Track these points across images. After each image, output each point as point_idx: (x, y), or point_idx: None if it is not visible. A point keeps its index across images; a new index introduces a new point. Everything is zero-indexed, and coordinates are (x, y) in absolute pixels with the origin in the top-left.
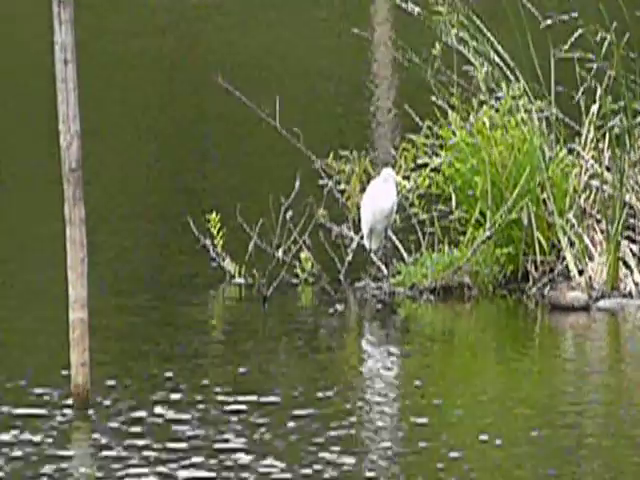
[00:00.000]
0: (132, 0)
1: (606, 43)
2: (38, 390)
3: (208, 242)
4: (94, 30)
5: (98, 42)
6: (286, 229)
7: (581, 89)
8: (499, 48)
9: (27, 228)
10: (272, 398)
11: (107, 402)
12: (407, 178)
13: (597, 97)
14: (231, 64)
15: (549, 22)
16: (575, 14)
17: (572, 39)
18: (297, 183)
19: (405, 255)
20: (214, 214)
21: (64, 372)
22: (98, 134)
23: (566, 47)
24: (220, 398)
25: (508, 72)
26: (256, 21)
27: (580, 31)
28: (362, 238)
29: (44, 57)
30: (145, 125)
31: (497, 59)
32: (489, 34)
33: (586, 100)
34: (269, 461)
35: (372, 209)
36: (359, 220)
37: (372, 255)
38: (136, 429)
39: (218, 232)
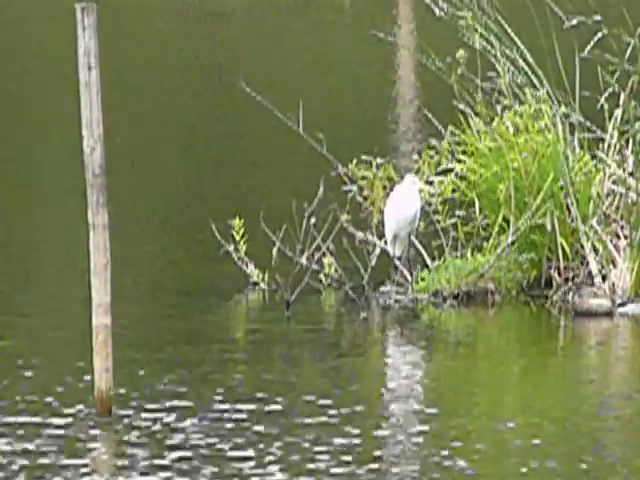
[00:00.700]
0: (149, 5)
1: (630, 47)
2: (59, 397)
3: (231, 248)
4: (111, 36)
5: (116, 48)
6: (310, 235)
7: (605, 94)
8: (524, 50)
9: (51, 234)
10: (291, 404)
11: (128, 409)
12: (430, 184)
13: (620, 102)
14: (252, 69)
15: (575, 22)
16: (598, 17)
17: (593, 41)
18: (320, 189)
19: (428, 261)
20: (237, 220)
21: (86, 378)
22: (120, 140)
23: (588, 50)
24: (240, 405)
25: (532, 76)
26: (277, 26)
27: (600, 34)
28: (385, 244)
29: (69, 63)
30: (167, 131)
31: (522, 62)
32: (514, 36)
33: (610, 105)
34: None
35: (395, 215)
36: (382, 226)
37: (395, 261)
38: (156, 436)
39: (241, 238)
